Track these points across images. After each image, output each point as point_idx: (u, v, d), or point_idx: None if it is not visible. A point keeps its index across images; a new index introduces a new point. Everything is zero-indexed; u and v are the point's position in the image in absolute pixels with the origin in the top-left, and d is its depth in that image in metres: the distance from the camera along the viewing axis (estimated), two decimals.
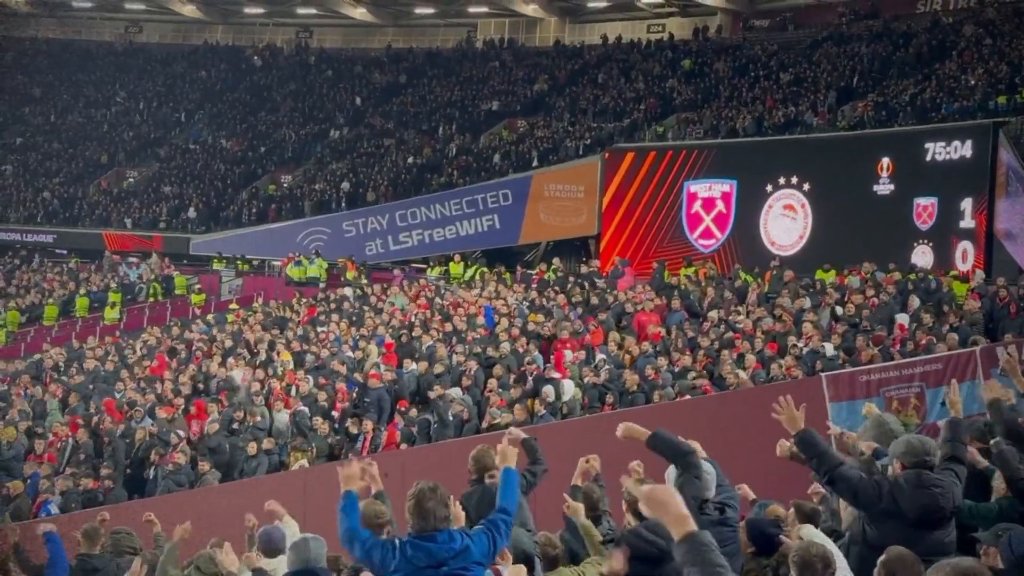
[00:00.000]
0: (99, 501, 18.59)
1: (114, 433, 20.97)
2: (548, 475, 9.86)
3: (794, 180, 32.90)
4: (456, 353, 22.37)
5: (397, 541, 6.44)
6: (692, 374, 18.89)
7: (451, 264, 35.10)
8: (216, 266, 39.67)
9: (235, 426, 20.86)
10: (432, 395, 20.16)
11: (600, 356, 20.93)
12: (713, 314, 22.50)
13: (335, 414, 20.53)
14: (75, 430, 22.00)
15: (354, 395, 21.18)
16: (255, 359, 25.07)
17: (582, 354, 21.27)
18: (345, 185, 43.13)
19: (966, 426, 8.65)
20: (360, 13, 52.77)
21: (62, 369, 27.99)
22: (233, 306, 34.10)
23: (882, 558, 5.71)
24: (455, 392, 20.31)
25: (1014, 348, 14.37)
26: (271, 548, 8.68)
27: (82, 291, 38.51)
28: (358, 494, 6.84)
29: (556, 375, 19.91)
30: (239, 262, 39.99)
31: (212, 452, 19.72)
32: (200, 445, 20.12)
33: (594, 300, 25.08)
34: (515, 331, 22.89)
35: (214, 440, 20.00)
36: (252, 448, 19.25)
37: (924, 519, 6.91)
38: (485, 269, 33.99)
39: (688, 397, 17.99)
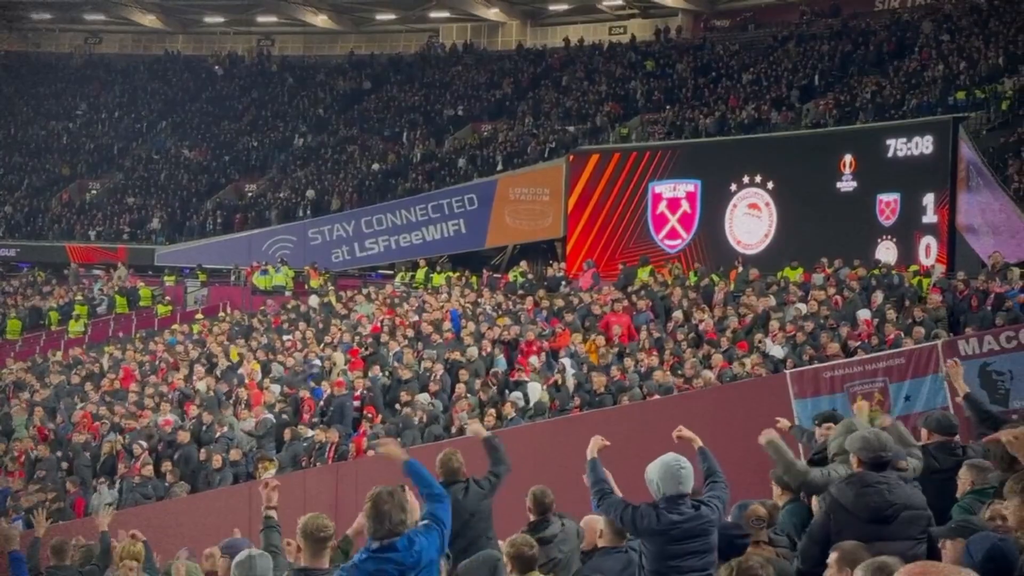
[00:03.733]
0: (66, 515, 18.48)
1: (78, 447, 20.81)
2: (510, 472, 9.80)
3: (758, 179, 33.00)
4: (423, 359, 22.32)
5: (353, 561, 6.35)
6: (657, 373, 18.93)
7: (418, 270, 35.04)
8: (168, 280, 39.09)
9: (203, 435, 20.75)
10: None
11: (563, 359, 20.94)
12: (678, 314, 22.56)
13: (303, 425, 20.45)
14: (41, 440, 21.85)
15: (321, 404, 21.11)
16: (219, 369, 24.94)
17: (544, 357, 21.27)
18: (310, 193, 43.00)
19: (927, 417, 8.78)
20: (321, 20, 52.64)
21: (26, 384, 27.76)
22: (199, 316, 33.92)
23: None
24: (423, 398, 20.28)
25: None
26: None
27: (52, 304, 38.24)
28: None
29: (523, 378, 19.91)
30: (199, 272, 39.74)
31: (182, 463, 19.65)
32: (165, 451, 20.04)
33: (560, 302, 25.09)
34: (486, 335, 22.88)
35: (185, 449, 19.94)
36: (217, 461, 19.13)
37: (877, 518, 6.93)
38: (451, 273, 33.97)
39: (657, 397, 18.03)
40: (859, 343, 18.47)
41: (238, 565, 6.95)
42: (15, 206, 47.44)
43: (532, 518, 8.79)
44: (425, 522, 6.56)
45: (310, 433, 19.74)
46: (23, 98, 53.54)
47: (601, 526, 7.93)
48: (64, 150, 50.71)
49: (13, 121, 52.53)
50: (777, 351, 19.05)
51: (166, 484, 19.22)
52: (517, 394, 19.11)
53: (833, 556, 5.92)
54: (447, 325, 24.96)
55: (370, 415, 20.25)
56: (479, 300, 27.37)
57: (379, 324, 26.45)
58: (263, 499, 7.82)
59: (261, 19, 53.68)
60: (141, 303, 37.93)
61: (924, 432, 8.57)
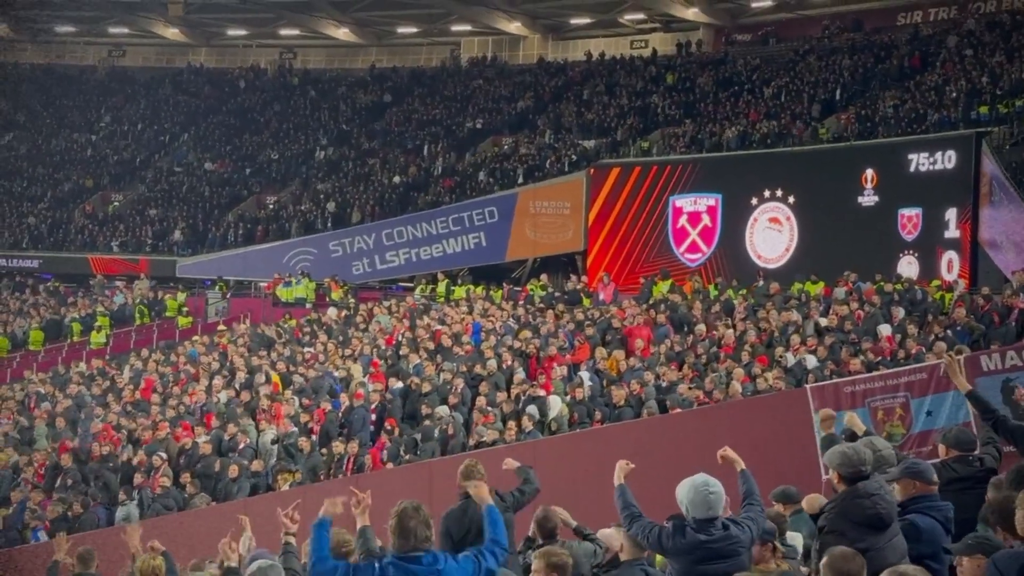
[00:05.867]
0: (87, 526, 18.51)
1: (98, 460, 20.86)
2: (539, 494, 9.82)
3: (779, 193, 32.99)
4: (443, 371, 22.33)
5: (377, 564, 6.30)
6: (682, 387, 18.88)
7: (438, 282, 35.07)
8: (170, 307, 38.79)
9: (224, 445, 20.81)
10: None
11: (583, 372, 20.91)
12: (700, 328, 22.53)
13: (314, 437, 20.49)
14: (63, 452, 21.91)
15: (338, 415, 21.12)
16: (239, 381, 24.98)
17: (565, 370, 21.26)
18: (331, 205, 43.10)
19: (945, 434, 8.73)
20: (343, 33, 52.83)
21: (47, 395, 27.88)
22: (221, 328, 33.97)
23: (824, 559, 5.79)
24: (443, 410, 20.28)
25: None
26: None
27: (74, 315, 38.37)
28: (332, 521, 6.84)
29: (541, 392, 19.89)
30: (220, 284, 39.79)
31: (203, 474, 19.70)
32: (186, 463, 20.10)
33: (580, 316, 25.08)
34: (502, 348, 22.88)
35: (206, 461, 20.01)
36: (234, 471, 19.16)
37: (884, 524, 6.90)
38: (471, 286, 34.02)
39: (679, 410, 17.99)
40: (878, 359, 18.36)
41: None
42: (38, 217, 47.70)
43: (539, 542, 8.80)
44: (467, 553, 6.51)
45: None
46: (47, 110, 53.90)
47: (622, 539, 7.91)
48: (87, 162, 50.97)
49: (37, 133, 52.86)
50: (812, 361, 18.97)
51: (185, 495, 19.26)
52: (532, 408, 19.07)
53: (824, 561, 5.88)
54: (466, 338, 24.97)
55: (390, 427, 20.26)
56: (501, 312, 27.39)
57: (394, 337, 26.50)
58: (282, 524, 7.82)
59: (284, 32, 53.90)
60: (167, 313, 38.04)
61: (942, 448, 8.52)
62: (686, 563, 7.02)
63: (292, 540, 7.85)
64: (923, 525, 7.16)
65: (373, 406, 21.20)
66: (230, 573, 8.07)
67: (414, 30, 52.16)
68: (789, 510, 8.98)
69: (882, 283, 24.80)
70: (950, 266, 29.14)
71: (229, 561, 8.12)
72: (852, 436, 9.25)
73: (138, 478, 19.73)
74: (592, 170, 37.26)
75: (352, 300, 34.24)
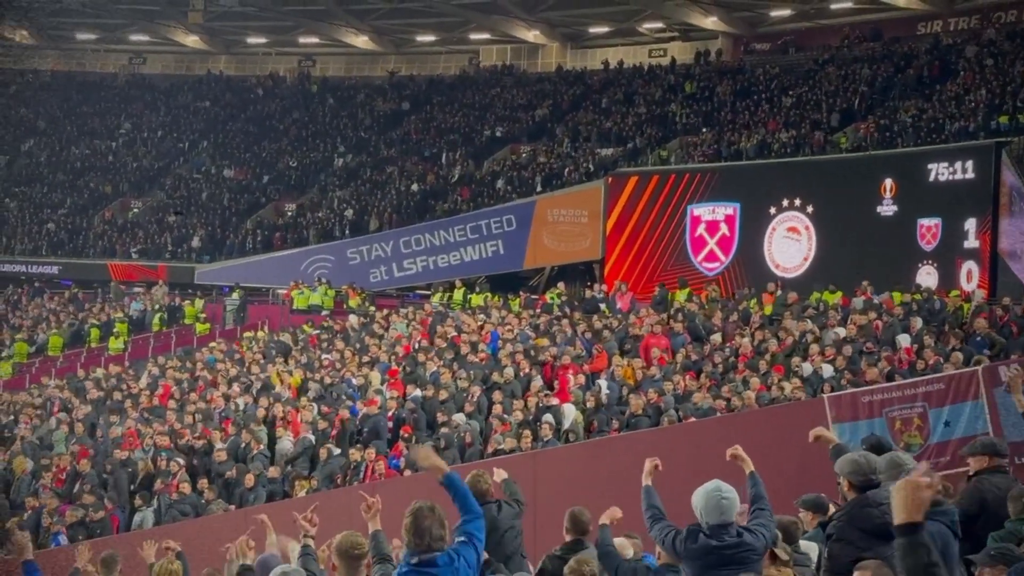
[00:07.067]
0: (100, 532, 18.56)
1: (117, 464, 20.93)
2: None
3: (797, 202, 32.93)
4: (460, 379, 22.32)
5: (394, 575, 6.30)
6: (697, 395, 18.85)
7: (455, 290, 35.09)
8: (188, 314, 38.80)
9: (239, 452, 20.85)
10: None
11: (600, 381, 20.88)
12: (716, 337, 22.48)
13: (331, 442, 20.52)
14: (83, 456, 21.97)
15: (356, 422, 21.14)
16: (256, 387, 25.02)
17: (582, 379, 21.23)
18: (349, 212, 43.20)
19: (981, 443, 8.64)
20: (362, 41, 52.98)
21: (67, 401, 27.97)
22: (247, 334, 33.99)
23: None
24: (459, 418, 20.28)
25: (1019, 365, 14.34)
26: None
27: (93, 321, 38.52)
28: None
29: (555, 401, 19.88)
30: (236, 289, 39.85)
31: (219, 478, 19.75)
32: (201, 466, 20.17)
33: (598, 324, 25.06)
34: (518, 356, 22.86)
35: (223, 467, 20.05)
36: (250, 480, 19.17)
37: (882, 536, 6.87)
38: (488, 294, 34.03)
39: (693, 419, 17.96)
40: (888, 367, 18.25)
41: None
42: (58, 224, 47.93)
43: (568, 538, 8.75)
44: (462, 539, 6.49)
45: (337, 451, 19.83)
46: (67, 117, 54.17)
47: (657, 548, 7.93)
48: (107, 169, 51.20)
49: (57, 140, 53.13)
50: (828, 370, 18.92)
51: (203, 501, 19.29)
52: (548, 416, 19.06)
53: None
54: (483, 346, 24.94)
55: (407, 435, 20.26)
56: (519, 320, 27.37)
57: (410, 345, 26.50)
58: (301, 527, 7.84)
59: (303, 40, 54.10)
60: (186, 320, 38.14)
61: (982, 459, 8.28)
62: (697, 568, 7.03)
63: (311, 543, 7.90)
64: (932, 529, 7.10)
65: (390, 413, 21.21)
66: (245, 571, 8.10)
67: (433, 38, 52.29)
68: (816, 519, 8.90)
69: (896, 292, 24.71)
70: (969, 276, 29.03)
71: (245, 559, 8.17)
72: (878, 447, 9.15)
73: (159, 484, 19.78)
74: (610, 179, 37.26)
75: (371, 307, 34.26)
